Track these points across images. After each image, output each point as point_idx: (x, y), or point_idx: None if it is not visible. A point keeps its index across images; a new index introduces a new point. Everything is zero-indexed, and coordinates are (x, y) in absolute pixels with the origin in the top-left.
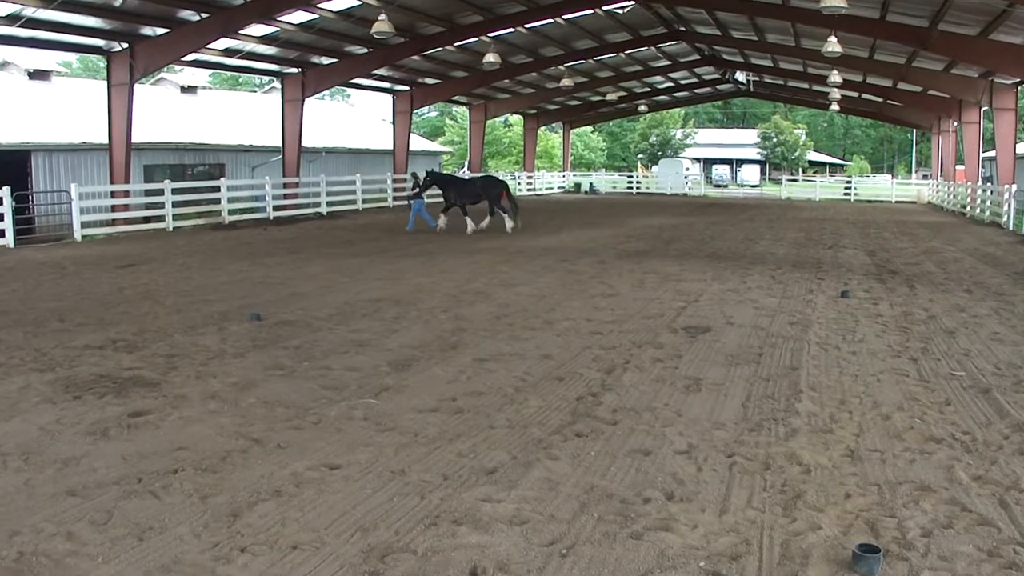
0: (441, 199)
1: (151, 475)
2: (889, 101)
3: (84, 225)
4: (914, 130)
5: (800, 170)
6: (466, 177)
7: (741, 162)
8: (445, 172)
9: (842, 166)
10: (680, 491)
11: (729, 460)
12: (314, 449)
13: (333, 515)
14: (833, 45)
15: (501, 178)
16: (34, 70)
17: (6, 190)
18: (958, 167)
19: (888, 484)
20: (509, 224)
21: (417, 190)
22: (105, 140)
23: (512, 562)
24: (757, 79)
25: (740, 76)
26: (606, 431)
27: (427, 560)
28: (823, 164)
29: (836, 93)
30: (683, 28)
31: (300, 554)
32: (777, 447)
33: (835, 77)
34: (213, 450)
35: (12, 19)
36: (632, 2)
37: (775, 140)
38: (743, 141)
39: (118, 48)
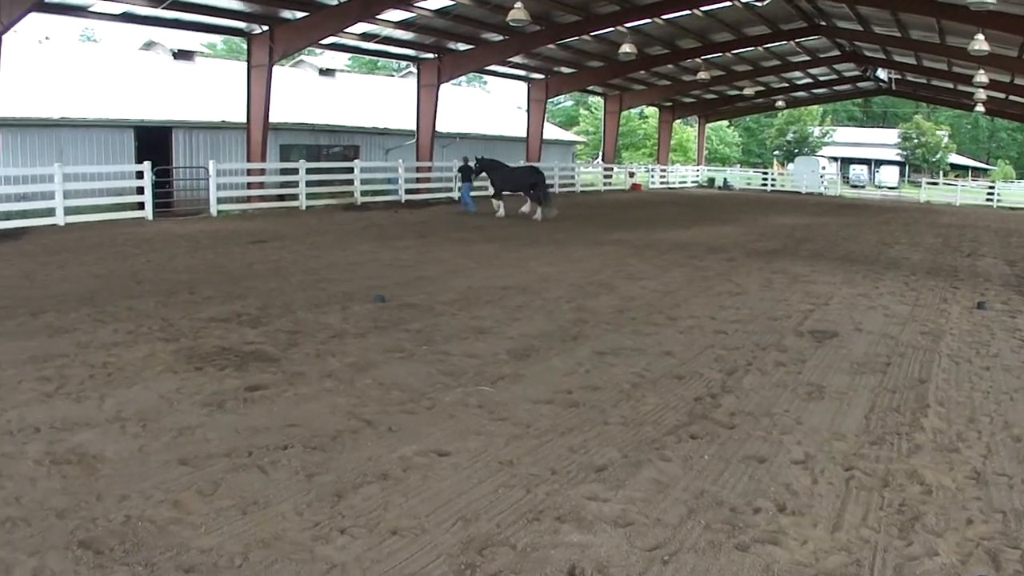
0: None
1: (261, 450)
2: None
3: (220, 201)
4: None
5: (941, 173)
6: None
7: (879, 163)
8: (491, 159)
9: (985, 170)
10: (793, 503)
11: (847, 474)
12: (425, 434)
13: (436, 503)
14: (980, 43)
15: (540, 169)
16: (178, 50)
17: (147, 165)
18: None
19: (1014, 512)
20: (537, 213)
21: (462, 174)
22: (244, 119)
23: (612, 565)
24: (899, 77)
25: (881, 73)
26: (722, 435)
27: (525, 556)
28: (965, 168)
29: (982, 94)
30: (823, 23)
31: (399, 540)
32: (898, 463)
33: (981, 77)
34: (324, 429)
35: (158, 1)
36: None
37: (916, 141)
38: (882, 141)
39: (259, 30)
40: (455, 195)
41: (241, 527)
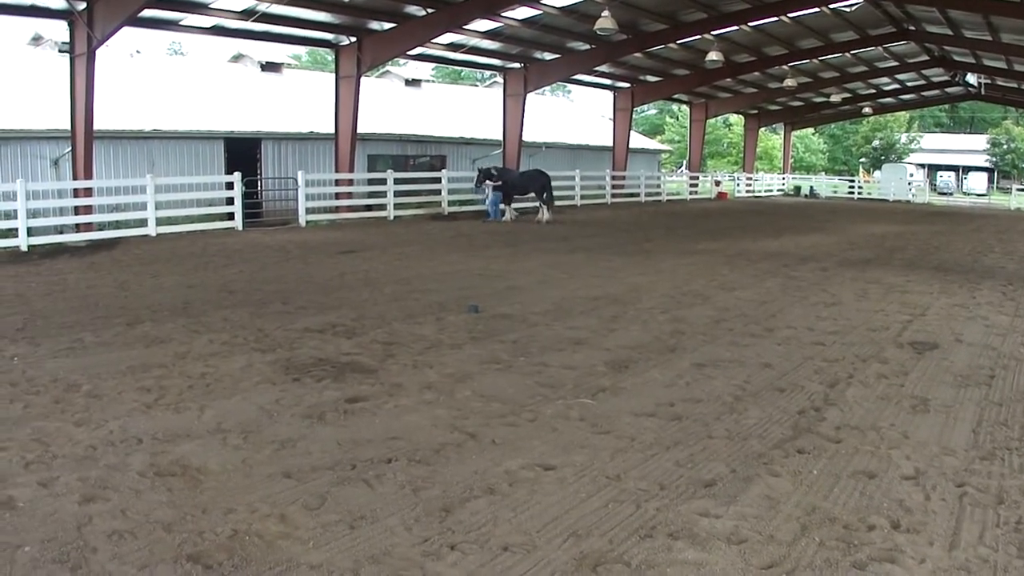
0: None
1: (365, 463)
2: None
3: (309, 211)
4: None
5: None
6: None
7: (967, 169)
8: (501, 166)
9: None
10: (907, 520)
11: (959, 490)
12: (528, 447)
13: (546, 518)
14: None
15: (546, 172)
16: (266, 62)
17: (237, 175)
18: None
19: None
20: (545, 214)
21: (487, 182)
22: (331, 130)
23: None
24: (989, 82)
25: (971, 78)
26: (829, 449)
27: (641, 574)
28: None
29: None
30: (912, 27)
31: (511, 556)
32: (1011, 479)
33: None
34: (427, 442)
35: (247, 14)
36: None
37: (1005, 147)
38: (970, 147)
39: (346, 42)
40: (535, 204)
41: (350, 542)
